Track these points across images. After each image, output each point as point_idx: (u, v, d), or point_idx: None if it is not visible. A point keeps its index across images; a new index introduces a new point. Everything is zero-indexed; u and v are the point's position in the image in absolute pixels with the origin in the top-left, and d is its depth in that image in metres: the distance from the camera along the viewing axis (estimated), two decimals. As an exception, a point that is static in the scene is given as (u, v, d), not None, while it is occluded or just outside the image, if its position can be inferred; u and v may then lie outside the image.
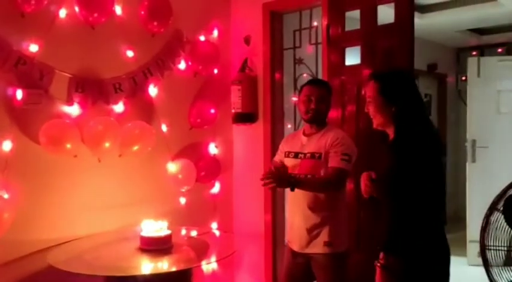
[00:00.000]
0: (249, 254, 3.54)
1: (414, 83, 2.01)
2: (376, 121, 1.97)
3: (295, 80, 3.48)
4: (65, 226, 2.72)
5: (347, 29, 3.00)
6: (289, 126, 3.57)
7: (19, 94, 2.52)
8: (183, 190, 3.24)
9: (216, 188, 3.52)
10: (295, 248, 2.46)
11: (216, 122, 3.42)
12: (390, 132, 1.94)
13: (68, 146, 2.58)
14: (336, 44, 3.01)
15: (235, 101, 3.40)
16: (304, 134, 2.55)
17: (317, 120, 2.48)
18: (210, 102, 3.36)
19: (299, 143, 2.55)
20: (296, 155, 2.51)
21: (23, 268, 2.52)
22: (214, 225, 3.49)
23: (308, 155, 2.45)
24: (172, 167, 3.18)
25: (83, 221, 2.79)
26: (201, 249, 2.67)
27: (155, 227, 2.55)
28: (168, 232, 2.54)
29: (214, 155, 3.50)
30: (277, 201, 3.43)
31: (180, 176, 3.17)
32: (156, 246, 2.48)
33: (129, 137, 2.86)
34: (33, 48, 2.56)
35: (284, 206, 3.37)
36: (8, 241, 2.40)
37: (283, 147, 2.65)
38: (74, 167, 2.73)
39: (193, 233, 2.96)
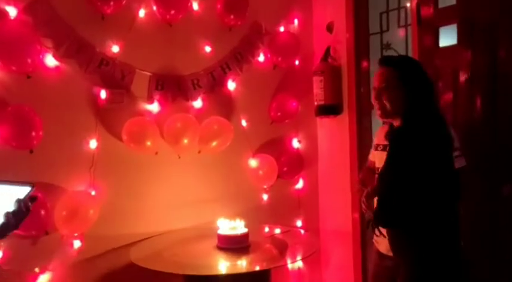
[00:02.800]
0: (337, 253, 3.35)
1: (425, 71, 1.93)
2: (389, 110, 1.89)
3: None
4: (146, 222, 2.77)
5: (440, 5, 2.66)
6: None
7: (103, 94, 2.59)
8: (265, 187, 3.15)
9: (299, 184, 3.38)
10: (382, 249, 2.23)
11: (298, 115, 3.28)
12: (398, 122, 1.90)
13: (149, 143, 2.61)
14: (428, 24, 2.69)
15: (318, 92, 3.22)
16: (384, 121, 2.30)
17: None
18: (291, 95, 3.23)
19: (382, 133, 2.31)
20: (385, 148, 2.26)
21: (106, 263, 2.61)
22: (298, 223, 3.36)
23: None
24: (253, 163, 3.10)
25: (163, 217, 2.82)
26: (280, 248, 2.54)
27: (232, 225, 2.48)
28: (245, 230, 2.46)
29: (297, 149, 3.36)
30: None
31: (261, 172, 3.08)
32: (233, 245, 2.42)
33: (208, 132, 2.83)
34: (115, 48, 2.63)
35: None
36: (92, 236, 2.49)
37: (374, 140, 2.43)
38: (155, 163, 2.77)
39: (276, 231, 2.85)
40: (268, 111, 3.20)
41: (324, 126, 3.43)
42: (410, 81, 1.85)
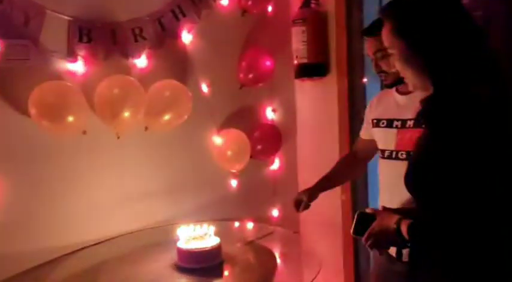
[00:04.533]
0: (322, 248, 2.74)
1: (458, 6, 1.11)
2: (412, 82, 1.16)
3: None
4: (74, 230, 2.02)
5: None
6: (364, 79, 2.64)
7: (-5, 46, 1.74)
8: (234, 171, 2.44)
9: (275, 165, 2.70)
10: (393, 251, 1.60)
11: (273, 77, 2.55)
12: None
13: (71, 118, 1.83)
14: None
15: (298, 47, 2.50)
16: (398, 91, 1.70)
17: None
18: (265, 52, 2.49)
19: (393, 105, 1.71)
20: (390, 123, 1.68)
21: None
22: (274, 213, 2.70)
23: (410, 122, 1.61)
24: (219, 140, 2.38)
25: (95, 221, 2.08)
26: (264, 264, 1.86)
27: (197, 234, 1.77)
28: (217, 241, 1.74)
29: (273, 121, 2.65)
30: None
31: (229, 153, 2.36)
32: (200, 264, 1.70)
33: (157, 102, 2.07)
34: (11, -23, 1.76)
35: (368, 182, 2.55)
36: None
37: (369, 114, 1.83)
38: (83, 147, 2.00)
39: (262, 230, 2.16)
40: (237, 72, 2.45)
41: (305, 91, 2.74)
42: (416, 35, 1.09)
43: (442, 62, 1.07)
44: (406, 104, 1.64)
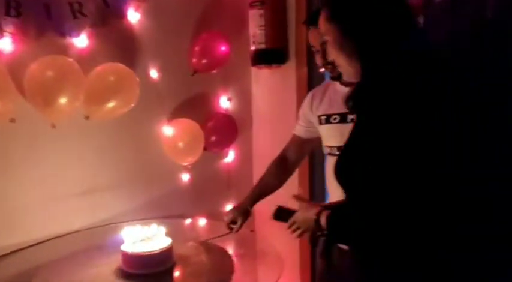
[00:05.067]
0: (276, 244, 2.62)
1: None
2: (345, 70, 1.13)
3: None
4: (5, 230, 1.80)
5: None
6: (321, 70, 2.53)
7: None
8: (186, 164, 2.26)
9: (229, 158, 2.54)
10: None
11: (228, 64, 2.38)
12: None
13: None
14: None
15: (256, 32, 2.34)
16: (343, 83, 1.60)
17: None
18: (221, 35, 2.31)
19: (340, 98, 1.57)
20: (344, 118, 1.58)
21: None
22: (228, 208, 2.54)
23: None
24: (170, 131, 2.18)
25: (33, 220, 1.87)
26: (220, 267, 1.70)
27: (144, 234, 1.58)
28: (168, 243, 1.56)
29: (227, 111, 2.48)
30: (316, 169, 2.45)
31: (181, 145, 2.18)
32: (149, 269, 1.52)
33: (100, 88, 1.85)
34: None
35: (325, 175, 2.44)
36: None
37: (310, 111, 1.71)
38: (12, 138, 1.76)
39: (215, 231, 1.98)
40: (189, 57, 2.26)
41: (261, 79, 2.59)
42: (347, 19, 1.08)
43: (371, 47, 1.05)
44: None
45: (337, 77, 1.58)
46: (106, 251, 1.71)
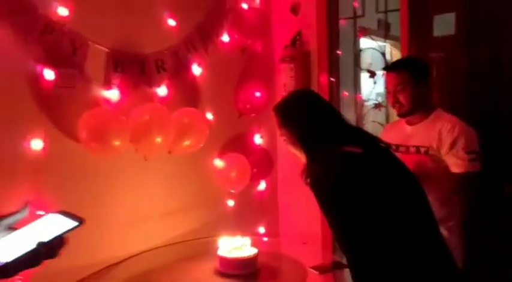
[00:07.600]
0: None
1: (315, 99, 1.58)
2: (298, 154, 1.52)
3: (355, 56, 2.97)
4: (105, 246, 2.11)
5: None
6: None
7: (48, 74, 1.83)
8: (233, 191, 2.68)
9: (261, 186, 2.97)
10: None
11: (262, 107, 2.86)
12: None
13: (117, 142, 1.94)
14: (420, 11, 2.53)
15: (287, 82, 2.85)
16: (408, 123, 2.09)
17: (411, 111, 2.01)
18: (258, 85, 2.79)
19: (401, 133, 2.09)
20: (396, 148, 2.04)
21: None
22: (261, 230, 2.95)
23: (412, 148, 2.00)
24: (221, 163, 2.60)
25: (125, 237, 2.20)
26: (292, 268, 2.11)
27: (234, 244, 1.99)
28: (254, 251, 1.98)
29: (260, 146, 2.94)
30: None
31: (233, 175, 2.59)
32: (240, 270, 1.92)
33: (181, 128, 2.25)
34: (62, 11, 1.88)
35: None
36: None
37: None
38: (118, 169, 2.12)
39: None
40: (235, 102, 2.72)
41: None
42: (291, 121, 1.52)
43: (309, 144, 1.44)
44: (411, 133, 2.04)
45: (403, 114, 2.04)
46: (197, 259, 2.09)
